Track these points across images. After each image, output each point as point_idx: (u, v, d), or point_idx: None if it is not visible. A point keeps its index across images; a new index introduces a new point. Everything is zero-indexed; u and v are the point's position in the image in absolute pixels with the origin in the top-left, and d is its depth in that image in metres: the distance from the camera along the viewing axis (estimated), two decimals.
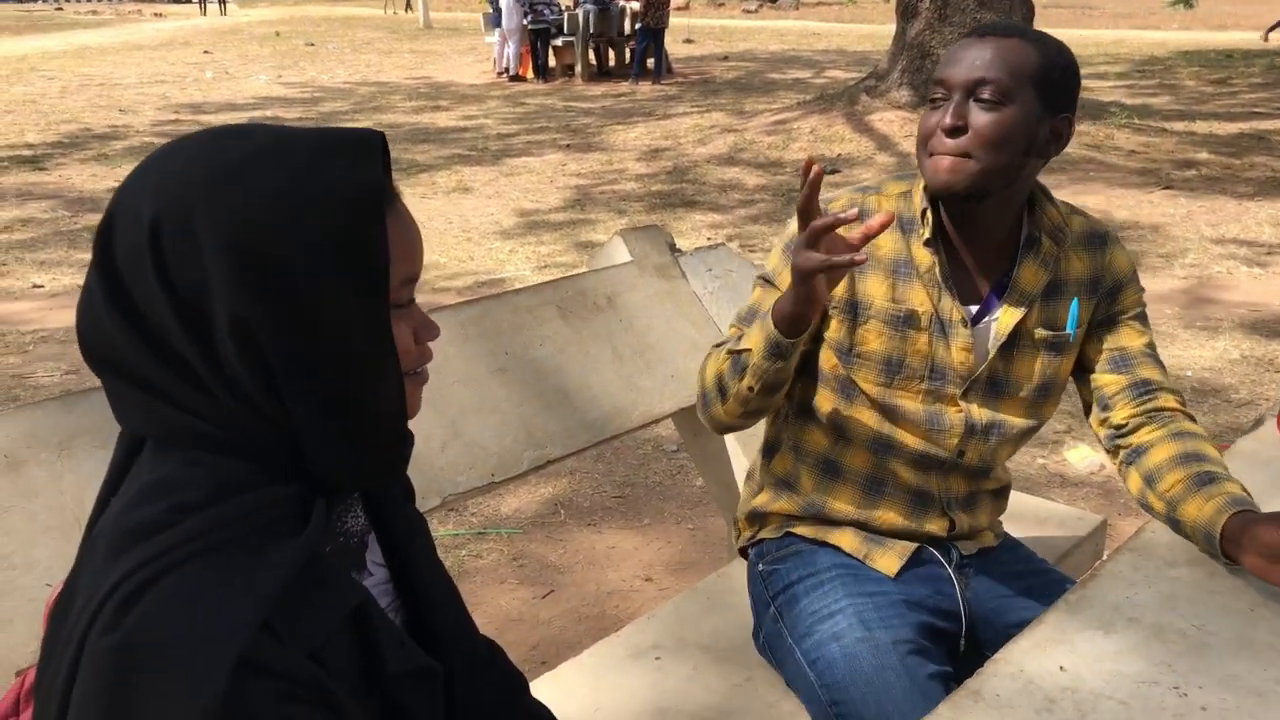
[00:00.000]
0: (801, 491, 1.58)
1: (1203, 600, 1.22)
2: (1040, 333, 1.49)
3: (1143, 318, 1.54)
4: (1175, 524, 1.36)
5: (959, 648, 1.50)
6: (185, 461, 0.79)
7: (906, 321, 1.47)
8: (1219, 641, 1.12)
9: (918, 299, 1.47)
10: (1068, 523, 2.09)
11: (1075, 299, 1.49)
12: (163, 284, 0.75)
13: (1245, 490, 1.33)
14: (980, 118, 1.36)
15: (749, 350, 1.38)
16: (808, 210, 1.26)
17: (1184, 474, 1.37)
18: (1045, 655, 1.12)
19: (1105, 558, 1.46)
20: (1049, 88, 1.38)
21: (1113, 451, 1.51)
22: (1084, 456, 3.56)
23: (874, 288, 1.48)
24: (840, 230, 1.27)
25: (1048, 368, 1.51)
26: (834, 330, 1.49)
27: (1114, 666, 1.09)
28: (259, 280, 0.75)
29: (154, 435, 0.81)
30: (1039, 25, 9.96)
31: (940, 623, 1.48)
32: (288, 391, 0.78)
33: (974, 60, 1.37)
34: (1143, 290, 1.55)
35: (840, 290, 1.47)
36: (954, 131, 1.37)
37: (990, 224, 1.46)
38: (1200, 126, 9.53)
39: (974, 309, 1.48)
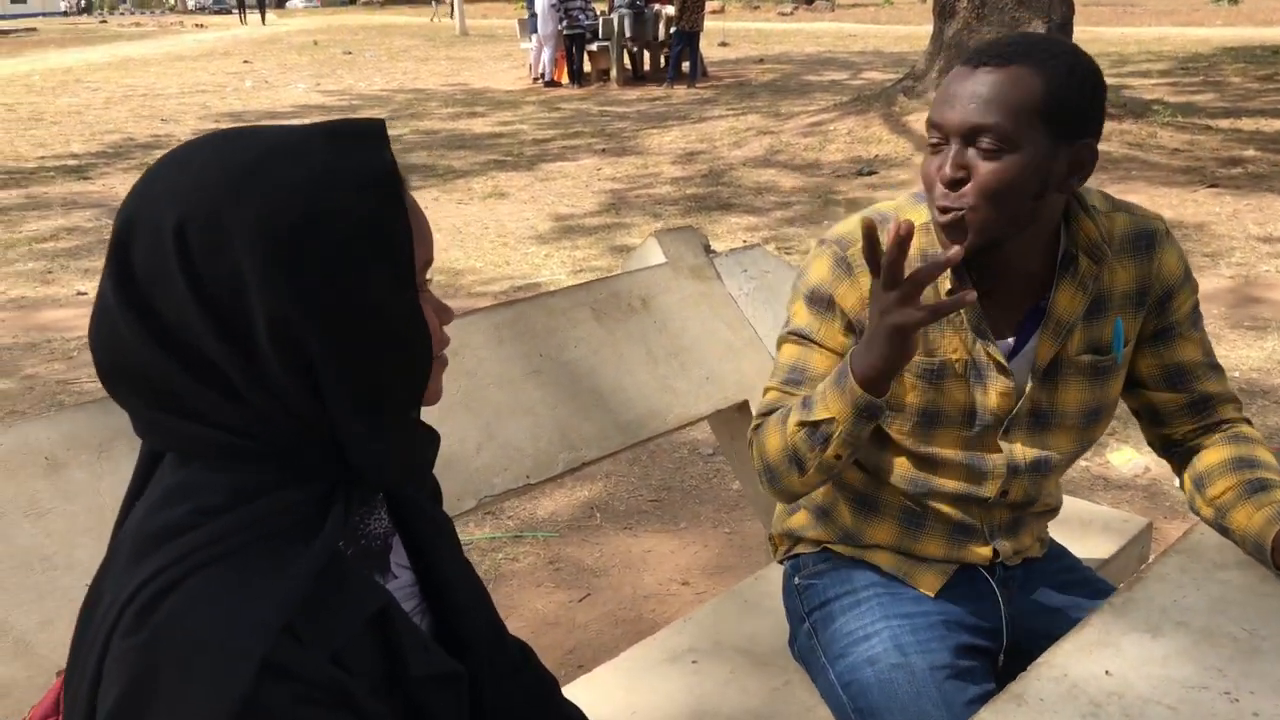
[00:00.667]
0: (838, 521, 1.54)
1: (1254, 604, 1.19)
2: (1084, 358, 1.39)
3: (1197, 321, 1.43)
4: (1224, 531, 1.33)
5: (999, 664, 1.46)
6: (207, 465, 0.79)
7: (940, 373, 1.37)
8: (1272, 646, 1.09)
9: (950, 346, 1.37)
10: (1112, 525, 2.05)
11: (1119, 319, 1.39)
12: (194, 290, 0.74)
13: None
14: (982, 167, 1.23)
15: (831, 420, 1.27)
16: (895, 272, 1.14)
17: (1235, 480, 1.33)
18: (1090, 659, 1.09)
19: (1152, 560, 1.43)
20: (1060, 118, 1.23)
21: (1167, 457, 1.48)
22: (1128, 459, 3.50)
23: None
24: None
25: (1094, 393, 1.41)
26: None
27: (1162, 671, 1.07)
28: (296, 275, 0.75)
29: (176, 450, 0.81)
30: (1079, 24, 9.86)
31: (981, 641, 1.43)
32: (327, 387, 0.77)
33: (969, 101, 1.22)
34: (1196, 289, 1.44)
35: None
36: (954, 184, 1.25)
37: (1017, 259, 1.34)
38: (1246, 123, 9.35)
39: (1010, 342, 1.39)
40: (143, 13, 44.17)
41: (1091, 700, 1.03)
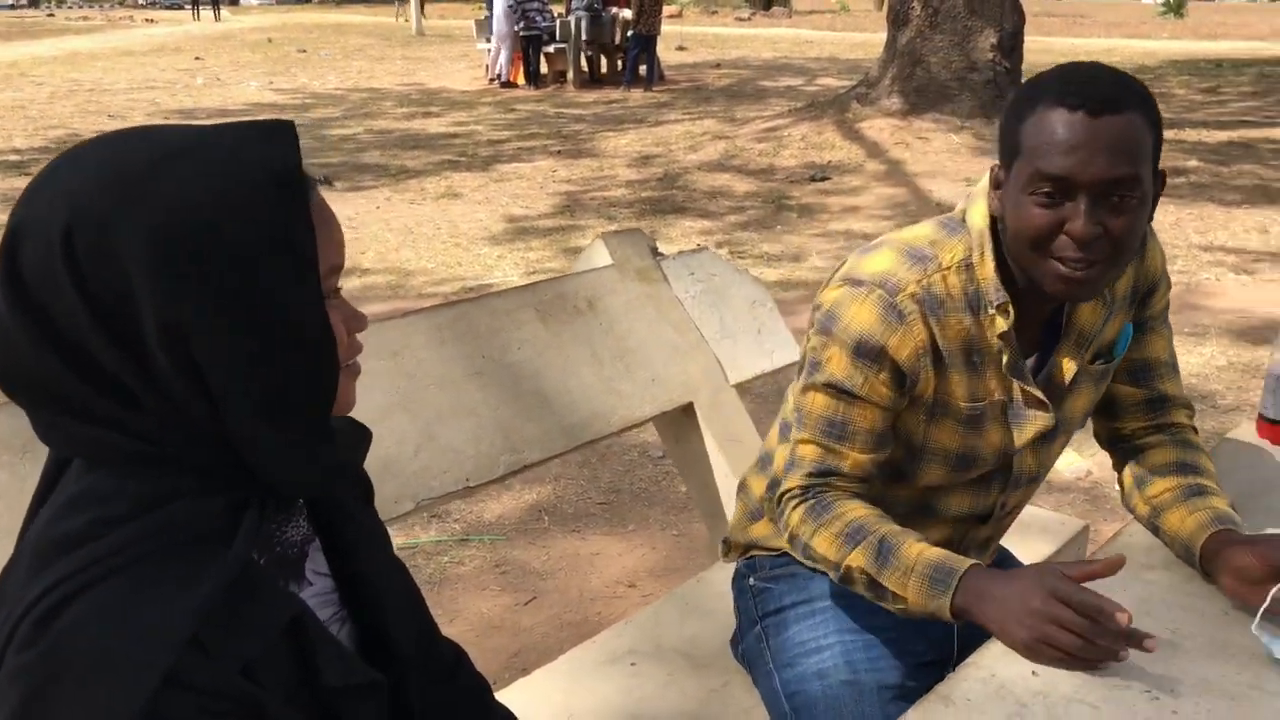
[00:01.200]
0: None
1: (1178, 604, 1.21)
2: (1096, 365, 1.38)
3: (1167, 318, 1.45)
4: (1155, 529, 1.35)
5: (946, 675, 1.46)
6: (112, 473, 0.77)
7: (983, 417, 1.33)
8: (1193, 645, 1.11)
9: (990, 388, 1.33)
10: (1051, 527, 2.08)
11: (1128, 324, 1.39)
12: (82, 297, 0.72)
13: (1232, 508, 1.31)
14: (1117, 222, 1.17)
15: (902, 600, 1.22)
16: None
17: (1176, 483, 1.35)
18: (1018, 659, 1.10)
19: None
20: (1158, 150, 1.21)
21: (1110, 450, 1.50)
22: (1071, 463, 3.55)
23: (954, 385, 1.32)
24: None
25: (1096, 394, 1.42)
26: (907, 423, 1.35)
27: (1087, 671, 1.08)
28: (186, 280, 0.72)
29: (79, 455, 0.79)
30: (1030, 34, 10.02)
31: (932, 654, 1.43)
32: (223, 395, 0.75)
33: (1098, 154, 1.15)
34: (1170, 284, 1.44)
35: (928, 390, 1.32)
36: (1094, 242, 1.17)
37: None
38: (1190, 134, 9.56)
39: (1031, 362, 1.36)
40: (91, 6, 43.42)
41: (1018, 700, 1.04)
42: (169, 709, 0.69)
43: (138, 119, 12.05)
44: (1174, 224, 6.71)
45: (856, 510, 1.30)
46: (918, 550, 1.22)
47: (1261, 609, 1.11)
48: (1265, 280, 5.58)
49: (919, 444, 1.35)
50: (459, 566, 2.98)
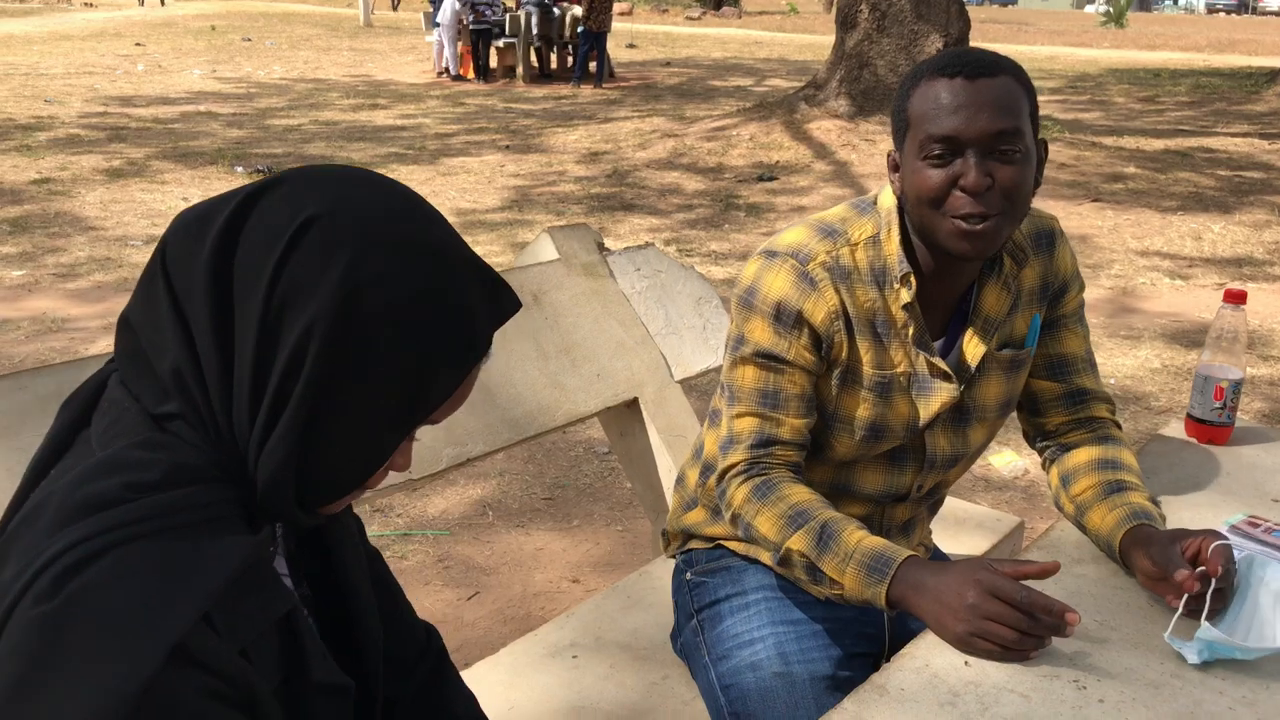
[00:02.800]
0: None
1: (1106, 597, 1.24)
2: (1004, 353, 1.44)
3: (1082, 317, 1.50)
4: (1082, 528, 1.39)
5: (879, 667, 1.49)
6: (141, 445, 0.77)
7: (889, 386, 1.39)
8: (1119, 637, 1.14)
9: (897, 359, 1.39)
10: (986, 524, 2.12)
11: (1036, 315, 1.45)
12: (275, 275, 0.75)
13: (1153, 501, 1.35)
14: (1004, 172, 1.25)
15: (839, 585, 1.25)
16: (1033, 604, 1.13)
17: (1097, 480, 1.39)
18: (951, 650, 1.13)
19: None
20: (1035, 118, 1.30)
21: (1038, 449, 1.54)
22: (1009, 461, 3.62)
23: (863, 353, 1.38)
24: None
25: (1010, 385, 1.47)
26: (820, 390, 1.40)
27: (1018, 661, 1.10)
28: (353, 317, 0.76)
29: (134, 390, 0.80)
30: (975, 40, 10.16)
31: (863, 647, 1.45)
32: (287, 426, 0.77)
33: (981, 110, 1.24)
34: (1083, 287, 1.51)
35: (841, 354, 1.37)
36: (985, 193, 1.25)
37: (975, 266, 1.38)
38: (1128, 142, 9.77)
39: (939, 344, 1.42)
40: None
41: (951, 690, 1.06)
42: (172, 682, 0.69)
43: (76, 105, 11.78)
44: (1112, 229, 6.86)
45: (801, 494, 1.33)
46: (858, 538, 1.25)
47: (1172, 621, 1.14)
48: (1199, 285, 5.72)
49: (830, 411, 1.40)
50: (402, 561, 2.96)
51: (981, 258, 1.30)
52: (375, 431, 0.80)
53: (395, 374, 0.78)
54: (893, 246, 1.36)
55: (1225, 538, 1.19)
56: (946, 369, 1.40)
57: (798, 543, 1.29)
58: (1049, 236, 1.47)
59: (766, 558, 1.50)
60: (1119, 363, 4.55)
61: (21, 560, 0.72)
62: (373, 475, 0.83)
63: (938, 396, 1.41)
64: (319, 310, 0.75)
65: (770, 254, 1.39)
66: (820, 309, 1.35)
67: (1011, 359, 1.45)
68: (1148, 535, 1.26)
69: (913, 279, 1.35)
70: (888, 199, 1.39)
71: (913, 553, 1.24)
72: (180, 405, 0.78)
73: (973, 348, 1.41)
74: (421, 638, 1.10)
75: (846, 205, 1.44)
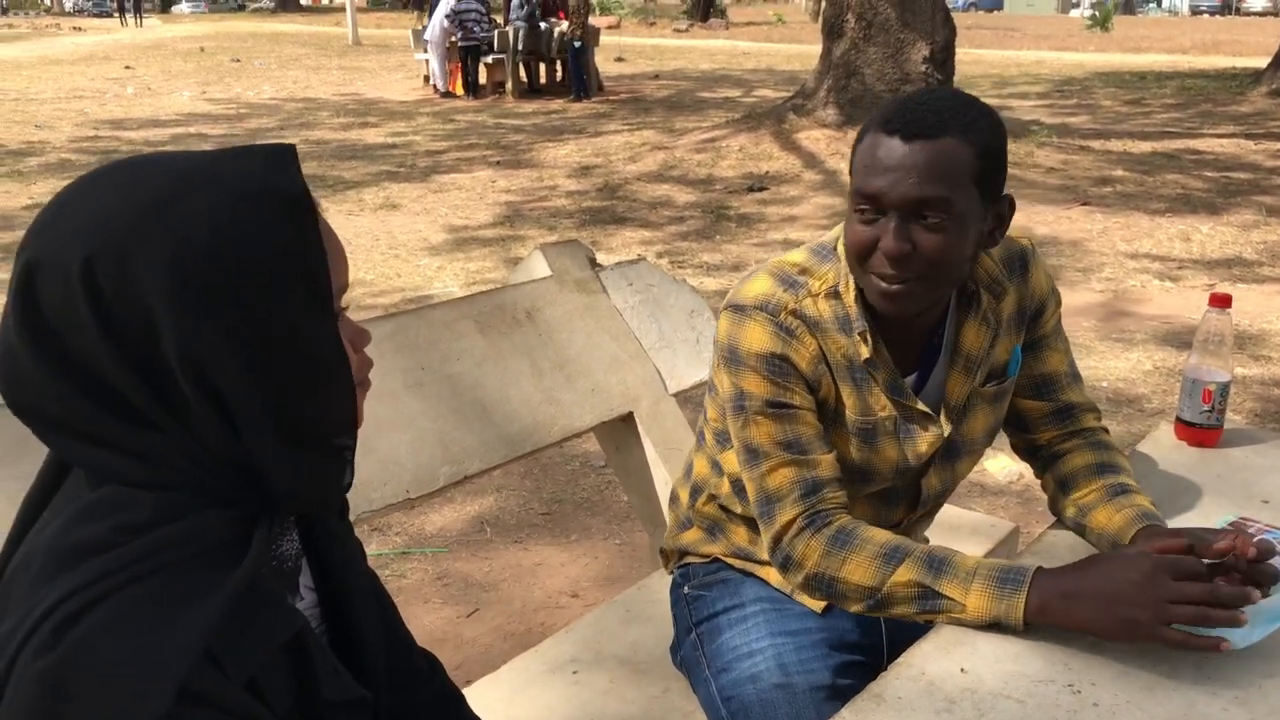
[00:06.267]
0: (731, 539, 1.55)
1: None
2: (988, 388, 1.43)
3: (1061, 332, 1.50)
4: (1081, 529, 1.40)
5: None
6: (127, 482, 0.77)
7: (874, 431, 1.38)
8: (1113, 641, 1.15)
9: (878, 404, 1.37)
10: (981, 530, 2.13)
11: (1017, 346, 1.44)
12: (105, 329, 0.73)
13: (1154, 505, 1.36)
14: (927, 240, 1.22)
15: (960, 606, 1.18)
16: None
17: (1099, 484, 1.40)
18: (947, 657, 1.14)
19: None
20: (988, 180, 1.25)
21: (1030, 460, 1.55)
22: (1003, 466, 3.63)
23: (846, 397, 1.37)
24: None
25: (996, 415, 1.47)
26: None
27: (1013, 667, 1.12)
28: (206, 307, 0.74)
29: (97, 475, 0.79)
30: (962, 45, 10.20)
31: (862, 657, 1.46)
32: (244, 418, 0.76)
33: (908, 176, 1.20)
34: (1060, 302, 1.50)
35: (829, 397, 1.36)
36: (902, 258, 1.23)
37: (931, 310, 1.37)
38: (1116, 145, 9.82)
39: (912, 378, 1.41)
40: (15, 14, 42.38)
41: (947, 697, 1.07)
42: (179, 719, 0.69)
43: (66, 129, 11.80)
44: (1101, 232, 6.89)
45: (883, 533, 1.29)
46: (975, 559, 1.22)
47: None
48: (1188, 287, 5.75)
49: None
50: (401, 580, 2.96)
51: (904, 317, 1.30)
52: (300, 340, 0.77)
53: (263, 287, 0.75)
54: (850, 299, 1.35)
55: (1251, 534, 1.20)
56: (926, 410, 1.39)
57: (906, 574, 1.22)
58: (1021, 259, 1.45)
59: (763, 572, 1.52)
60: (1111, 365, 4.58)
61: (19, 612, 0.73)
62: (344, 376, 0.81)
63: (924, 439, 1.40)
64: (168, 324, 0.73)
65: (739, 309, 1.36)
66: (803, 354, 1.34)
67: (996, 392, 1.45)
68: (1164, 531, 1.27)
69: (868, 336, 1.33)
70: None
71: (1039, 564, 1.19)
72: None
73: (957, 388, 1.41)
74: (422, 661, 1.11)
75: (806, 251, 1.41)
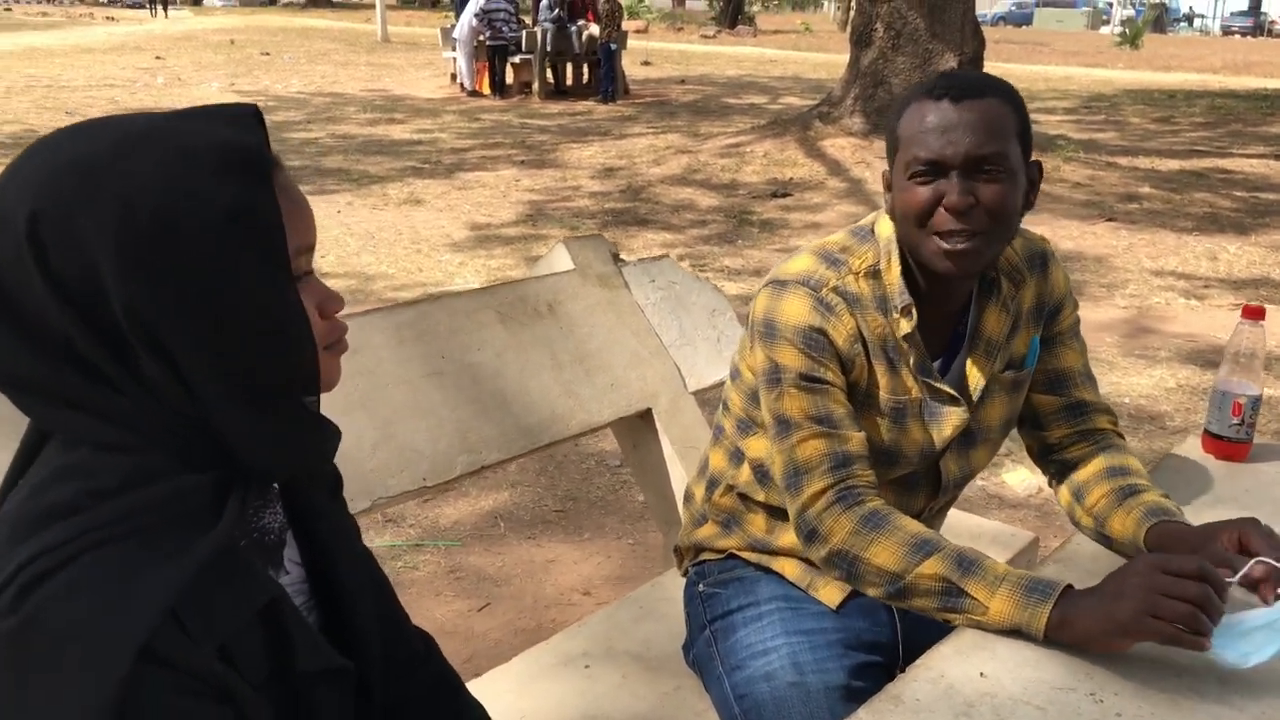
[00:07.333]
0: (747, 529, 1.54)
1: None
2: (1006, 375, 1.46)
3: (1078, 333, 1.53)
4: (1106, 540, 1.38)
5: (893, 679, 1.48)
6: (99, 447, 0.76)
7: (904, 412, 1.40)
8: (1137, 650, 1.13)
9: (908, 386, 1.40)
10: (1000, 539, 2.11)
11: (1035, 336, 1.47)
12: (51, 285, 0.72)
13: (1166, 496, 1.36)
14: (988, 191, 1.28)
15: (983, 610, 1.18)
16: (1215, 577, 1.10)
17: (1108, 488, 1.40)
18: (967, 661, 1.12)
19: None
20: (1025, 140, 1.33)
21: (1044, 466, 1.53)
22: (1022, 479, 3.60)
23: (879, 376, 1.39)
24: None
25: (1012, 405, 1.49)
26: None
27: (1034, 673, 1.10)
28: (150, 264, 0.72)
29: (65, 436, 0.78)
30: (990, 60, 10.17)
31: (876, 657, 1.44)
32: (194, 379, 0.75)
33: (965, 133, 1.27)
34: (1076, 304, 1.54)
35: (860, 378, 1.38)
36: (966, 211, 1.28)
37: (968, 286, 1.41)
38: (1143, 162, 9.75)
39: (937, 364, 1.43)
40: (51, 3, 42.83)
41: (966, 701, 1.05)
42: (145, 684, 0.69)
43: (96, 116, 11.88)
44: (1127, 249, 6.84)
45: (916, 524, 1.29)
46: (1005, 566, 1.22)
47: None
48: (1214, 305, 5.70)
49: None
50: (413, 572, 2.96)
51: (966, 276, 1.32)
52: (252, 302, 0.76)
53: (211, 246, 0.74)
54: (893, 276, 1.38)
55: (1260, 524, 1.18)
56: (952, 392, 1.41)
57: (933, 567, 1.22)
58: (1041, 258, 1.50)
59: (779, 565, 1.50)
60: (1133, 382, 4.53)
61: None
62: (302, 339, 0.79)
63: (949, 421, 1.42)
64: (113, 280, 0.72)
65: (780, 283, 1.39)
66: (841, 331, 1.36)
67: (1013, 380, 1.47)
68: (1176, 532, 1.26)
69: (914, 310, 1.37)
70: (885, 227, 1.41)
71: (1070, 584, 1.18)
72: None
73: (976, 371, 1.43)
74: (418, 642, 1.10)
75: (846, 233, 1.46)
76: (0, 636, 0.69)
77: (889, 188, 1.38)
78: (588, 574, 2.98)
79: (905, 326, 1.37)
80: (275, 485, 0.91)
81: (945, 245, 1.29)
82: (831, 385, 1.35)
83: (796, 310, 1.36)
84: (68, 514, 0.73)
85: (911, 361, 1.40)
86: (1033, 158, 1.36)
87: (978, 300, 1.43)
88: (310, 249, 0.83)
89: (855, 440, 1.34)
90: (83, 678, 0.68)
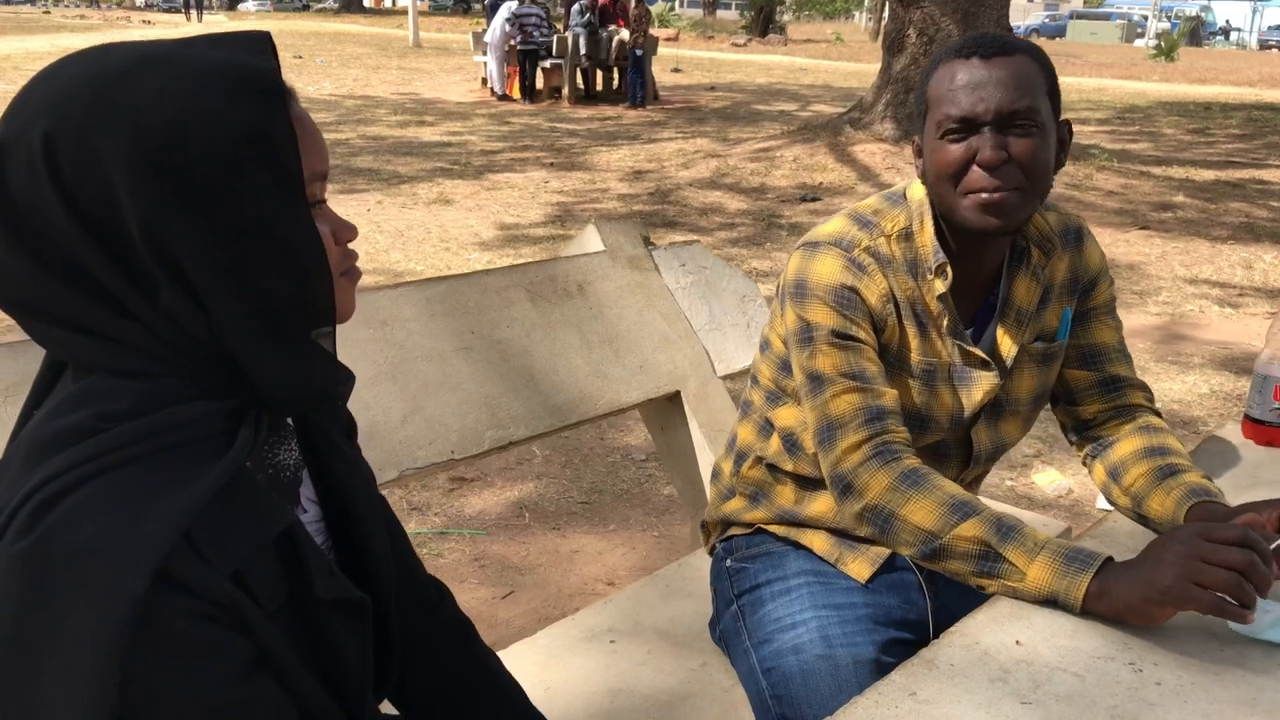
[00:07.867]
0: (776, 501, 1.53)
1: None
2: (1036, 346, 1.45)
3: (1113, 310, 1.51)
4: (1144, 520, 1.36)
5: None
6: (113, 373, 0.76)
7: (935, 375, 1.40)
8: (1177, 620, 1.11)
9: (938, 349, 1.39)
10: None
11: (1067, 308, 1.46)
12: (68, 206, 0.72)
13: (1207, 478, 1.33)
14: (1020, 146, 1.28)
15: (1020, 575, 1.15)
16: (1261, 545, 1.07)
17: (1146, 467, 1.37)
18: (1002, 629, 1.10)
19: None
20: (1054, 97, 1.33)
21: (1078, 444, 1.51)
22: (1052, 480, 3.56)
23: (910, 338, 1.39)
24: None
25: (1043, 378, 1.48)
26: None
27: (1070, 642, 1.08)
28: (167, 184, 0.72)
29: (78, 363, 0.78)
30: None
31: (906, 634, 1.42)
32: (211, 302, 0.74)
33: (997, 89, 1.27)
34: (1112, 282, 1.52)
35: (892, 339, 1.38)
36: (1000, 165, 1.28)
37: (999, 249, 1.40)
38: (1178, 172, 9.65)
39: (969, 332, 1.43)
40: (88, 5, 43.44)
41: (1001, 667, 1.03)
42: (158, 605, 0.69)
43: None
44: (1160, 257, 6.76)
45: (955, 486, 1.28)
46: (1045, 535, 1.20)
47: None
48: (1249, 314, 5.62)
49: None
50: (437, 559, 2.95)
51: (1001, 232, 1.31)
52: (267, 222, 0.75)
53: (225, 165, 0.73)
54: (926, 238, 1.38)
55: None
56: (984, 356, 1.40)
57: (971, 529, 1.20)
58: (1076, 233, 1.50)
59: (808, 539, 1.49)
60: (1167, 387, 4.48)
61: (1, 499, 0.72)
62: (317, 262, 0.78)
63: (979, 386, 1.41)
64: (128, 201, 0.72)
65: (812, 245, 1.40)
66: (873, 290, 1.36)
67: (1044, 352, 1.46)
68: (1219, 513, 1.23)
69: (949, 269, 1.36)
70: (918, 191, 1.41)
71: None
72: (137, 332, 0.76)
73: (1007, 340, 1.42)
74: (432, 590, 1.10)
75: (878, 197, 1.46)
76: (14, 557, 0.68)
77: (919, 153, 1.38)
78: (612, 564, 2.97)
79: (940, 286, 1.37)
80: (290, 421, 0.91)
81: (981, 198, 1.29)
82: (863, 343, 1.35)
83: (828, 269, 1.36)
84: (81, 437, 0.72)
85: (944, 325, 1.39)
86: (1068, 122, 1.37)
87: (1008, 270, 1.42)
88: (324, 177, 0.83)
89: (889, 396, 1.33)
90: (96, 598, 0.67)
